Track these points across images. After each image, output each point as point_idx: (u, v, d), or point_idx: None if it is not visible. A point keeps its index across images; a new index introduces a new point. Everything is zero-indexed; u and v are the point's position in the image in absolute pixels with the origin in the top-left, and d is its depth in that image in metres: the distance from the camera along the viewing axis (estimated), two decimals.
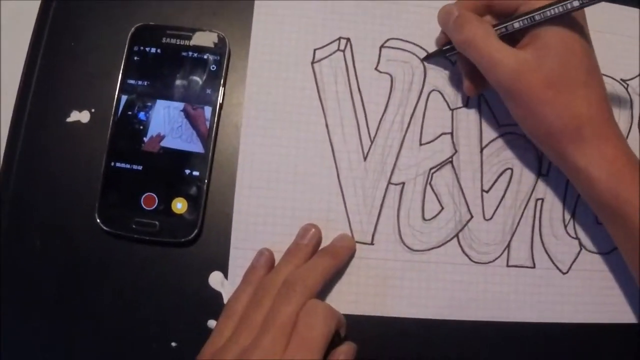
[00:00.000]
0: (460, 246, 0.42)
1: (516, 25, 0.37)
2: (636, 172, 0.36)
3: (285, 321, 0.35)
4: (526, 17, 0.36)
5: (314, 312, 0.35)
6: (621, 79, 0.46)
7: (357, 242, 0.41)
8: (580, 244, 0.43)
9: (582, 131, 0.36)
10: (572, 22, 0.36)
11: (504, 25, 0.37)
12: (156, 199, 0.40)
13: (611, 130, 0.37)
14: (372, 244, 0.41)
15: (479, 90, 0.41)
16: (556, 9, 0.35)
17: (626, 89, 0.46)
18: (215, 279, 0.41)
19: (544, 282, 0.43)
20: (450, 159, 0.43)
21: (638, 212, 0.35)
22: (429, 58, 0.43)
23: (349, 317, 0.40)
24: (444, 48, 0.42)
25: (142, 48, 0.41)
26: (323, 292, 0.40)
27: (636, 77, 0.46)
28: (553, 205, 0.43)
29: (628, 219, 0.36)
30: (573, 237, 0.43)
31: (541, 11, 0.35)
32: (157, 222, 0.40)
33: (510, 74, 0.36)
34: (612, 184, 0.36)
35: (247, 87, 0.42)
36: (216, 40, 0.42)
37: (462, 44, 0.38)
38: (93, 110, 0.42)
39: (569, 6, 0.34)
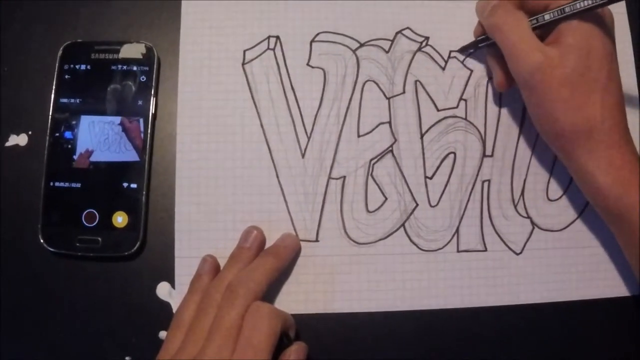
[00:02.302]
0: (408, 235, 0.41)
1: (547, 17, 0.37)
2: None
3: (231, 326, 0.35)
4: (556, 9, 0.36)
5: (258, 314, 0.35)
6: None
7: (302, 240, 0.41)
8: (533, 223, 0.42)
9: (593, 135, 0.36)
10: (600, 23, 0.36)
11: (535, 17, 0.37)
12: (97, 215, 0.40)
13: (622, 136, 0.37)
14: (317, 240, 0.41)
15: (510, 84, 0.40)
16: (586, 2, 0.35)
17: None
18: (162, 290, 0.40)
19: (497, 265, 0.42)
20: (390, 148, 0.42)
21: None
22: (463, 50, 0.43)
23: (300, 317, 0.40)
24: (477, 39, 0.42)
25: (72, 66, 0.41)
26: (271, 293, 0.40)
27: None
28: (500, 186, 0.43)
29: (632, 224, 0.36)
30: (524, 217, 0.42)
31: (571, 4, 0.35)
32: (99, 238, 0.40)
33: (531, 67, 0.36)
34: (618, 190, 0.36)
35: (179, 94, 0.42)
36: (144, 51, 0.42)
37: (492, 27, 0.38)
38: (30, 132, 0.42)
39: (598, 0, 0.35)
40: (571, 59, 0.36)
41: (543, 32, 0.38)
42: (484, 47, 0.42)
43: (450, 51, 0.43)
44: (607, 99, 0.36)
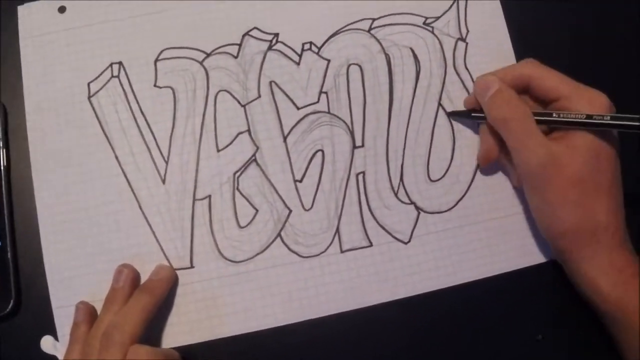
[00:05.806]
0: (286, 244, 0.39)
1: (556, 120, 0.36)
2: None
3: None
4: (567, 116, 0.36)
5: (136, 358, 0.34)
6: (424, 24, 0.42)
7: (177, 268, 0.39)
8: (417, 208, 0.40)
9: (597, 237, 0.36)
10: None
11: (542, 116, 0.36)
12: None
13: (623, 239, 0.36)
14: (192, 267, 0.39)
15: (494, 160, 0.40)
16: (602, 119, 0.35)
17: (432, 32, 0.42)
18: (46, 344, 0.39)
19: (386, 258, 0.40)
20: (253, 158, 0.40)
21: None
22: (455, 115, 0.41)
23: (188, 349, 0.38)
24: (473, 114, 0.40)
25: None
26: (154, 329, 0.38)
27: (440, 16, 0.42)
28: (377, 176, 0.40)
29: (630, 326, 0.35)
30: (407, 203, 0.40)
31: (583, 127, 0.35)
32: None
33: (539, 164, 0.36)
34: (618, 293, 0.35)
35: (29, 141, 0.40)
36: None
37: (499, 121, 0.37)
38: None
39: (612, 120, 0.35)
40: (578, 159, 0.35)
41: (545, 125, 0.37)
42: (476, 120, 0.40)
43: (303, 44, 0.41)
44: (611, 202, 0.36)
